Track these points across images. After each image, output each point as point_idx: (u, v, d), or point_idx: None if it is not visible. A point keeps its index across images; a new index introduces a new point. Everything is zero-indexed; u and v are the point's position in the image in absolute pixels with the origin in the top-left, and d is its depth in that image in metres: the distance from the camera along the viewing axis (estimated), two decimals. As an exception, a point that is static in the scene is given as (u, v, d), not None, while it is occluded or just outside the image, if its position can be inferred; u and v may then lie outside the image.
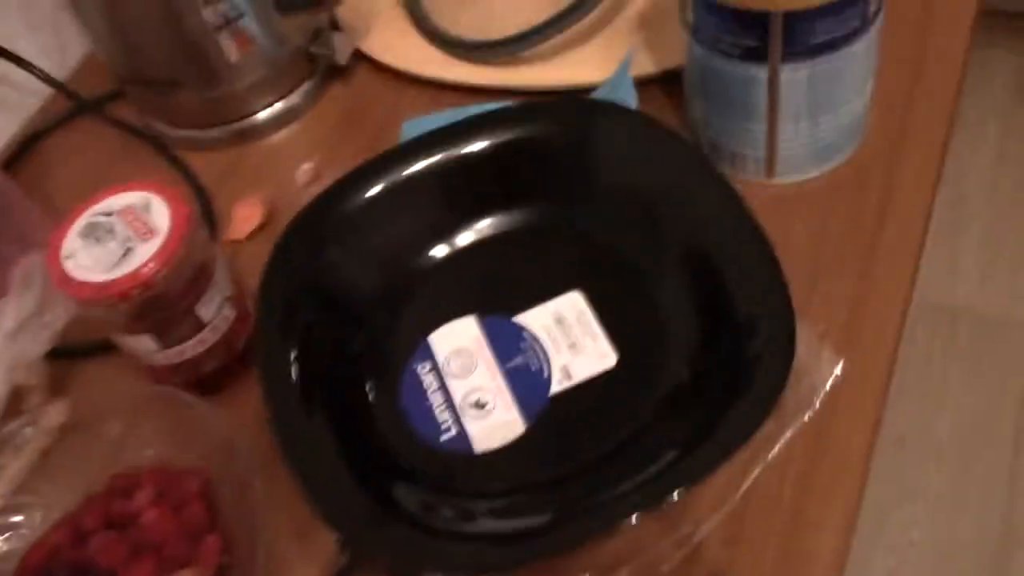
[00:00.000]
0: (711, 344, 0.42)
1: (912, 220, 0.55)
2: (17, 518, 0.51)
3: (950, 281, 1.45)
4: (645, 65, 0.62)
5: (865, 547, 1.24)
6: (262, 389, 0.44)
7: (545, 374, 0.44)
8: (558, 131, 0.48)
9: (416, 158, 0.49)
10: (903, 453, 1.31)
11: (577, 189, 0.48)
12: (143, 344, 0.50)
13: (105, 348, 0.58)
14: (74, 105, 0.72)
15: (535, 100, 0.51)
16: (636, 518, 0.36)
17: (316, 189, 0.50)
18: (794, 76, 0.50)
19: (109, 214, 0.50)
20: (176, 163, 0.66)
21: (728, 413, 0.38)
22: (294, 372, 0.44)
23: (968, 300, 1.43)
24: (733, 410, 0.38)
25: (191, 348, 0.51)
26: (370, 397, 0.45)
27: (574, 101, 0.50)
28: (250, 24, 0.62)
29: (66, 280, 0.48)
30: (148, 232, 0.48)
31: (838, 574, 0.45)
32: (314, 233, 0.48)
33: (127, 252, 0.48)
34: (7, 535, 0.50)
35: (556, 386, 0.44)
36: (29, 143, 0.71)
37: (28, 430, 0.52)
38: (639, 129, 0.47)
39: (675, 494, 0.36)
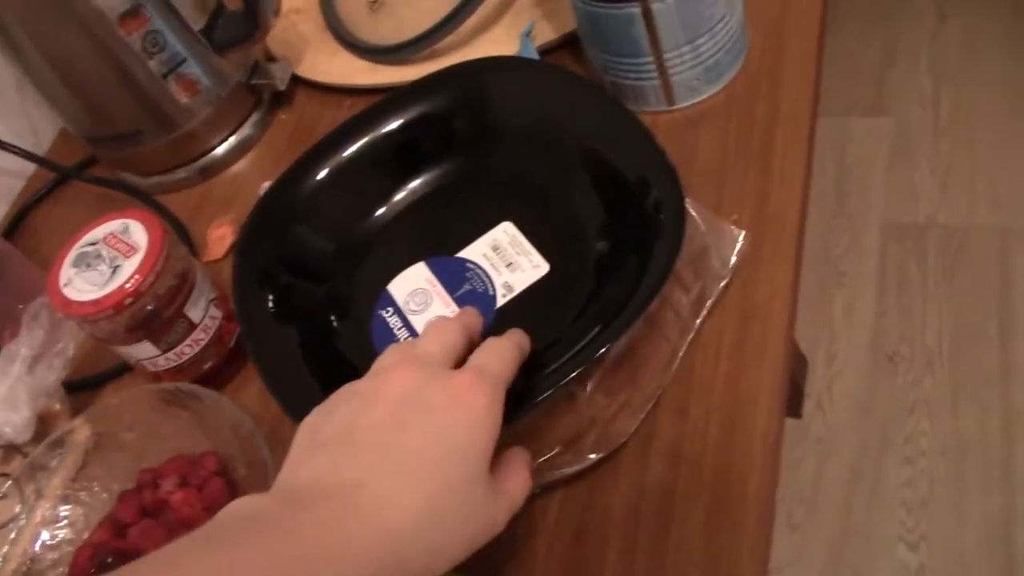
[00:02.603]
0: (617, 214, 0.49)
1: (799, 117, 0.61)
2: (61, 528, 0.57)
3: (911, 201, 1.51)
4: (547, 33, 0.69)
5: (878, 464, 1.29)
6: (236, 312, 0.51)
7: (491, 292, 0.50)
8: (454, 94, 0.56)
9: (345, 143, 0.56)
10: (898, 369, 1.36)
11: (484, 136, 0.55)
12: (145, 351, 0.57)
13: (116, 374, 0.65)
14: (55, 176, 0.79)
15: (432, 74, 0.59)
16: (573, 378, 0.42)
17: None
18: (663, 6, 0.57)
19: (94, 243, 0.56)
20: (152, 203, 0.73)
21: (646, 261, 0.44)
22: (271, 304, 0.51)
23: (931, 214, 1.49)
24: (651, 257, 0.44)
25: (188, 348, 0.58)
26: (340, 347, 0.52)
27: (461, 66, 0.57)
28: (193, 68, 0.70)
29: (67, 304, 0.54)
30: (130, 250, 0.55)
31: (776, 432, 0.50)
32: (275, 215, 0.55)
33: (115, 270, 0.54)
34: (55, 542, 0.56)
35: (501, 300, 0.50)
36: (20, 217, 0.78)
37: (59, 451, 0.58)
38: (522, 71, 0.55)
39: (602, 350, 0.42)
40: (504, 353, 0.42)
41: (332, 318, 0.52)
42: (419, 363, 0.41)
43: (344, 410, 0.41)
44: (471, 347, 0.43)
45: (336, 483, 0.38)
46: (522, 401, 0.43)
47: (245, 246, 0.53)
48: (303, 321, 0.51)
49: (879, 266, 1.45)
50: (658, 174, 0.47)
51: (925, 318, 1.38)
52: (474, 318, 0.46)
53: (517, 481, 0.42)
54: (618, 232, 0.49)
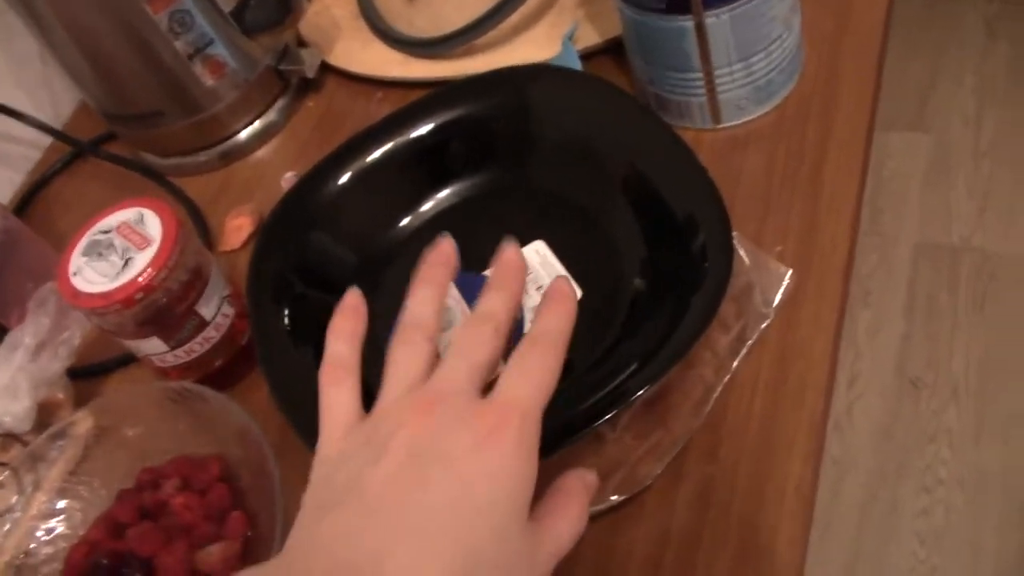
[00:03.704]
0: (660, 252, 0.46)
1: (853, 144, 0.58)
2: (58, 522, 0.55)
3: (946, 222, 1.47)
4: (590, 37, 0.66)
5: (895, 490, 1.26)
6: (251, 324, 0.48)
7: (518, 316, 0.47)
8: (492, 102, 0.53)
9: (372, 146, 0.53)
10: (921, 395, 1.32)
11: (521, 148, 0.52)
12: (153, 346, 0.54)
13: (123, 363, 0.63)
14: (72, 150, 0.77)
15: (469, 78, 0.55)
16: (605, 422, 0.39)
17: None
18: (718, 21, 0.53)
19: (107, 231, 0.54)
20: (169, 186, 0.71)
21: (686, 307, 0.42)
22: (286, 320, 0.48)
23: (966, 236, 1.45)
24: (690, 303, 0.41)
25: (198, 346, 0.56)
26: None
27: (500, 72, 0.54)
28: (220, 50, 0.67)
29: (75, 294, 0.52)
30: (144, 242, 0.53)
31: (811, 482, 0.47)
32: (294, 220, 0.52)
33: (127, 262, 0.52)
34: (51, 537, 0.54)
35: (529, 325, 0.47)
36: (35, 190, 0.76)
37: (59, 442, 0.56)
38: (563, 83, 0.52)
39: (638, 393, 0.39)
40: (537, 370, 0.37)
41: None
42: (435, 399, 0.36)
43: (353, 464, 0.36)
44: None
45: (348, 560, 0.33)
46: (548, 442, 0.40)
47: (261, 257, 0.50)
48: (320, 338, 0.48)
49: (908, 287, 1.42)
50: (708, 214, 0.44)
51: (953, 345, 1.35)
52: (506, 313, 0.40)
53: (565, 520, 0.37)
54: (658, 269, 0.46)
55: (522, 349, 0.38)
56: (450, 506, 0.33)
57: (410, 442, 0.35)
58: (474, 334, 0.38)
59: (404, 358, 0.39)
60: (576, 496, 0.38)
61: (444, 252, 0.43)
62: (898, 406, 1.32)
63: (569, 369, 0.45)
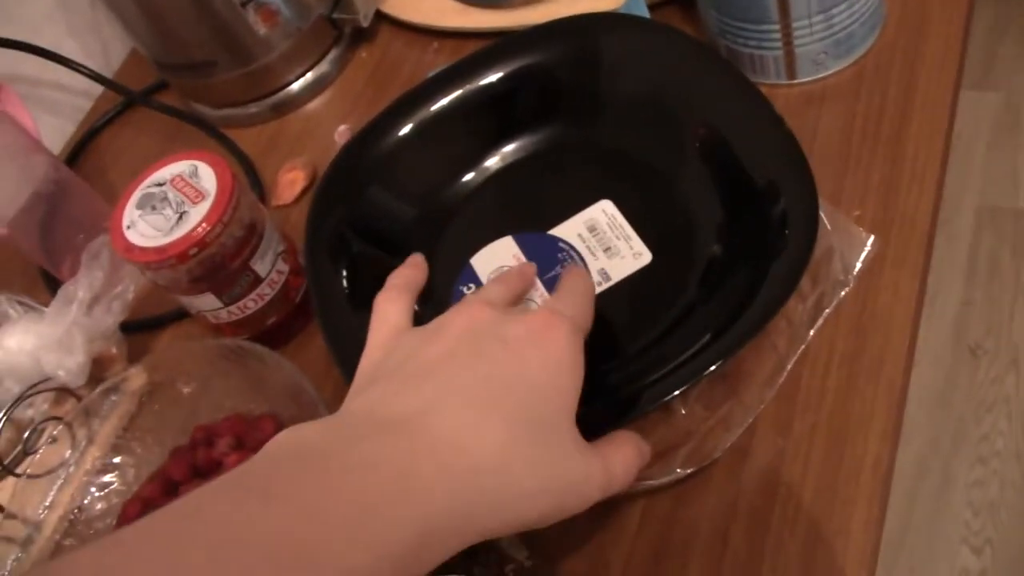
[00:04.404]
0: (738, 217, 0.43)
1: (938, 103, 0.55)
2: (111, 477, 0.55)
3: (1011, 185, 1.42)
4: (658, -14, 0.63)
5: (949, 460, 1.23)
6: (311, 287, 0.47)
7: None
8: (563, 51, 0.50)
9: (436, 95, 0.51)
10: (979, 363, 1.29)
11: (592, 102, 0.49)
12: (207, 302, 0.53)
13: (177, 318, 0.62)
14: (123, 100, 0.75)
15: (538, 25, 0.52)
16: (678, 395, 0.37)
17: (354, 146, 0.52)
18: (800, -32, 0.50)
19: (161, 184, 0.53)
20: (221, 138, 0.69)
21: (764, 276, 0.39)
22: (344, 281, 0.46)
23: (1033, 202, 1.40)
24: (769, 273, 0.39)
25: (252, 302, 0.54)
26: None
27: (571, 19, 0.51)
28: (273, -3, 0.65)
29: (129, 248, 0.51)
30: (198, 195, 0.51)
31: (888, 461, 0.45)
32: (352, 174, 0.50)
33: (181, 216, 0.51)
34: (104, 493, 0.54)
35: (596, 288, 0.45)
36: (86, 140, 0.75)
37: (113, 397, 0.55)
38: (638, 33, 0.49)
39: (714, 366, 0.37)
40: (574, 302, 0.38)
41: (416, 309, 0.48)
42: (490, 304, 0.37)
43: (406, 348, 0.36)
44: None
45: (397, 415, 0.32)
46: (619, 412, 0.38)
47: (319, 212, 0.49)
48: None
49: (970, 252, 1.37)
50: (791, 178, 0.41)
51: (1014, 311, 1.31)
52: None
53: (618, 456, 0.36)
54: (735, 233, 0.43)
55: (560, 288, 0.40)
56: (504, 378, 0.33)
57: (467, 326, 0.35)
58: (520, 276, 0.43)
59: (470, 296, 0.40)
60: (629, 443, 0.37)
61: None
62: (955, 374, 1.28)
63: (642, 334, 0.43)
